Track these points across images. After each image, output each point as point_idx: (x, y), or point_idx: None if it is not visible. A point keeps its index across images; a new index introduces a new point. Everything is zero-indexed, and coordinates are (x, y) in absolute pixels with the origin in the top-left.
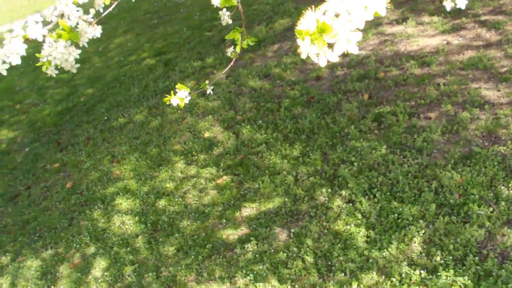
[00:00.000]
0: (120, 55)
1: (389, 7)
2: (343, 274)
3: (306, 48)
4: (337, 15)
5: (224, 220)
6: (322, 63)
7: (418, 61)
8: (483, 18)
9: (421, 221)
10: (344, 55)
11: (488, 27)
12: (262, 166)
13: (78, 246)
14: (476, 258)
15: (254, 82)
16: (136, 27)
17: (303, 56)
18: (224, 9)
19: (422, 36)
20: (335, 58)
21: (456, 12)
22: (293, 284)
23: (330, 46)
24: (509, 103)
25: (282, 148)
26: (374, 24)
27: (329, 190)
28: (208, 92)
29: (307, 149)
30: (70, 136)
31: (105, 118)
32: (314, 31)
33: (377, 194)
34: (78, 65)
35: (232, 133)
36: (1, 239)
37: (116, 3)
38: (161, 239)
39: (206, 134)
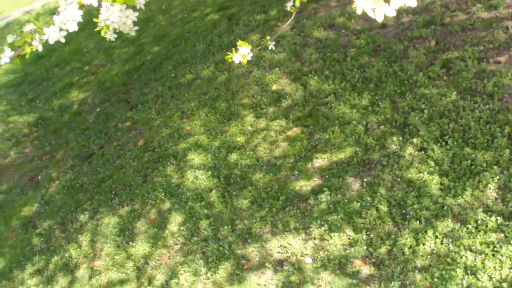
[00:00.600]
0: (183, 12)
1: None
2: (418, 222)
3: (361, 3)
4: None
5: (296, 172)
6: (379, 18)
7: (484, 5)
8: None
9: (495, 167)
10: None
11: None
12: (332, 116)
13: (153, 202)
14: None
15: (319, 33)
16: None
17: (359, 12)
18: None
19: None
20: (392, 13)
21: None
22: (368, 233)
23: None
24: None
25: (351, 98)
26: None
27: (400, 138)
28: (270, 48)
29: (376, 98)
30: (139, 95)
31: (173, 75)
32: None
33: (449, 141)
34: (136, 28)
35: (299, 85)
36: (79, 198)
37: None
38: (234, 193)
39: (274, 87)
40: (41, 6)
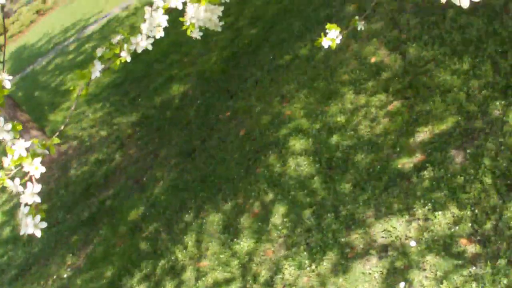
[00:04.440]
0: None
1: None
2: None
3: None
4: None
5: (398, 149)
6: (465, 4)
7: None
8: None
9: None
10: None
11: None
12: (432, 85)
13: (256, 194)
14: None
15: None
16: None
17: (443, 1)
18: None
19: None
20: None
21: None
22: (472, 208)
23: None
24: None
25: (451, 63)
26: None
27: (503, 102)
28: (359, 28)
29: (477, 60)
30: (238, 82)
31: (271, 57)
32: None
33: None
34: (222, 23)
35: (398, 54)
36: (183, 197)
37: None
38: (336, 177)
39: (373, 59)
40: (137, 0)
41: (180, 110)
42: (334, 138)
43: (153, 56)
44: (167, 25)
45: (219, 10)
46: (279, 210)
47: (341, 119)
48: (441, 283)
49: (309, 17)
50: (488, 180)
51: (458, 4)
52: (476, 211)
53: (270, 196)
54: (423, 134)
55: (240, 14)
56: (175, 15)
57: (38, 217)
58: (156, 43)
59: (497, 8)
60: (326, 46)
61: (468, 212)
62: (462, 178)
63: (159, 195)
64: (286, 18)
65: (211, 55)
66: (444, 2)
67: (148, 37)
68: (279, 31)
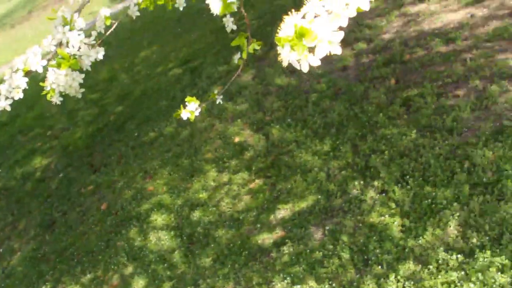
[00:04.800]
0: (146, 69)
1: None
2: (379, 267)
3: (287, 56)
4: (317, 16)
5: (258, 225)
6: (304, 69)
7: (442, 39)
8: None
9: (455, 203)
10: (369, 41)
11: None
12: (294, 165)
13: (116, 267)
14: None
15: (281, 80)
16: (160, 38)
17: (285, 64)
18: (228, 16)
19: (445, 12)
20: (316, 62)
21: None
22: (330, 283)
23: (312, 50)
24: None
25: (312, 145)
26: (397, 5)
27: (362, 182)
28: (217, 102)
29: (337, 142)
30: (103, 157)
31: (136, 134)
32: (293, 37)
33: (409, 181)
34: (82, 90)
35: (262, 135)
36: (41, 269)
37: (116, 23)
38: (197, 251)
39: (236, 139)
40: (6, 70)
41: (42, 182)
42: (196, 214)
43: (17, 128)
44: (38, 98)
45: (80, 77)
46: (139, 283)
47: (203, 195)
48: None
49: (176, 96)
50: (346, 255)
51: (298, 68)
52: (334, 285)
53: (130, 269)
54: (283, 211)
55: (107, 91)
56: (39, 89)
57: None
58: (21, 115)
59: (357, 95)
60: (185, 118)
61: (326, 286)
62: (321, 253)
63: (15, 266)
64: (153, 97)
65: (76, 129)
66: (285, 66)
67: (7, 98)
68: (146, 109)
